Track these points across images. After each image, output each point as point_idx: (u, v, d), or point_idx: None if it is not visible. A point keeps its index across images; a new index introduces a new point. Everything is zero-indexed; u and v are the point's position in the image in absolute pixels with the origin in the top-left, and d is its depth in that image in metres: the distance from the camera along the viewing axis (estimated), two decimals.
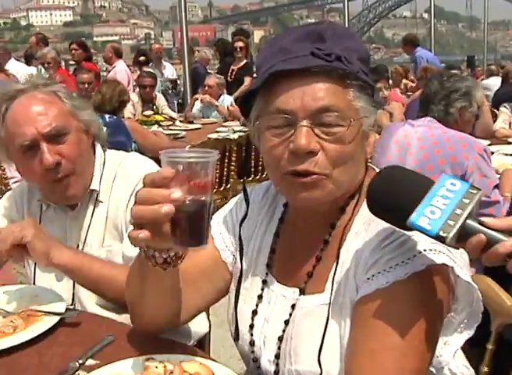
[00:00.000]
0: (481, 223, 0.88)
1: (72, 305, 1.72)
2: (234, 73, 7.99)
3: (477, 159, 2.51)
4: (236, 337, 1.30)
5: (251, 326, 1.26)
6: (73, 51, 8.24)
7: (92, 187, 1.73)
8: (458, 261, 1.06)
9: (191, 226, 1.01)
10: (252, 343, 1.26)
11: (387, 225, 1.06)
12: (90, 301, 1.72)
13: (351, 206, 1.18)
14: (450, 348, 1.14)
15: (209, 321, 1.98)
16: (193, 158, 0.98)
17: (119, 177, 1.76)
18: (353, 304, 1.10)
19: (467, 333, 1.15)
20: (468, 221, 0.88)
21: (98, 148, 1.81)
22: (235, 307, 1.31)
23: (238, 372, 1.19)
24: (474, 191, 0.90)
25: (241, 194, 1.38)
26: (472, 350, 1.51)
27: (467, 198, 0.90)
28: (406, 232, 1.05)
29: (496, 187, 2.56)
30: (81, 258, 1.60)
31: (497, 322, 1.46)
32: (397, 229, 1.05)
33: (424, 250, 1.04)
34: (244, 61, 7.99)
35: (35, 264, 1.80)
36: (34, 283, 1.81)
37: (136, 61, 8.85)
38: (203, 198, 1.00)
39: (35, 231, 1.51)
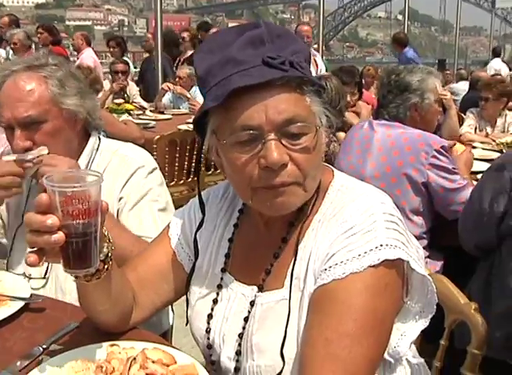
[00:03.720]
0: None
1: (44, 278, 1.76)
2: (180, 63, 8.02)
3: (434, 159, 2.54)
4: (193, 335, 1.34)
5: (207, 331, 1.28)
6: (39, 35, 8.09)
7: None
8: (413, 255, 1.12)
9: (74, 251, 1.04)
10: (209, 346, 1.28)
11: (347, 220, 1.12)
12: (64, 278, 1.74)
13: (309, 205, 1.21)
14: (407, 338, 1.20)
15: (173, 312, 2.01)
16: (65, 188, 1.00)
17: (114, 164, 1.81)
18: (311, 293, 1.14)
19: (423, 324, 1.21)
20: None
21: (94, 134, 1.85)
22: (186, 307, 1.34)
23: (200, 361, 1.22)
24: None
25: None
26: (426, 346, 1.58)
27: None
28: (365, 227, 1.10)
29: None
30: None
31: (450, 319, 1.52)
32: (358, 222, 1.11)
33: (381, 245, 1.08)
34: (190, 52, 8.05)
35: (14, 234, 1.85)
36: (10, 254, 1.87)
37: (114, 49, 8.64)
38: (85, 224, 1.02)
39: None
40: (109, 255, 1.17)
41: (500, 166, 2.13)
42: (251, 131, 1.08)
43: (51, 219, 1.00)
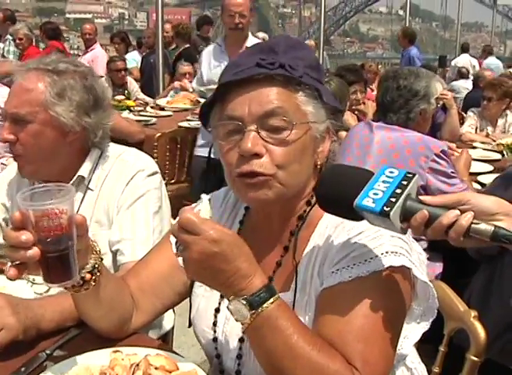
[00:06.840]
0: (421, 202, 0.99)
1: (47, 291, 1.75)
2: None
3: (434, 163, 2.56)
4: (197, 336, 1.36)
5: (214, 324, 1.31)
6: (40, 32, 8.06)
7: (80, 174, 1.79)
8: (416, 262, 1.15)
9: (52, 265, 1.07)
10: (215, 339, 1.31)
11: (353, 226, 1.15)
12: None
13: (310, 213, 1.24)
14: (409, 341, 1.23)
15: (174, 313, 2.02)
16: (37, 206, 1.03)
17: (116, 169, 1.83)
18: (317, 295, 1.16)
19: (424, 327, 1.24)
20: (409, 202, 0.99)
21: (94, 149, 1.84)
22: (190, 309, 1.36)
23: (200, 361, 1.23)
24: (411, 175, 1.02)
25: (199, 201, 1.42)
26: (424, 347, 1.59)
27: (405, 181, 1.01)
28: (371, 234, 1.13)
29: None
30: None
31: (450, 326, 1.54)
32: (365, 229, 1.13)
33: (387, 252, 1.12)
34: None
35: None
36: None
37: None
38: (59, 239, 1.05)
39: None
40: (96, 266, 1.20)
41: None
42: (235, 122, 1.17)
43: (25, 235, 1.04)
